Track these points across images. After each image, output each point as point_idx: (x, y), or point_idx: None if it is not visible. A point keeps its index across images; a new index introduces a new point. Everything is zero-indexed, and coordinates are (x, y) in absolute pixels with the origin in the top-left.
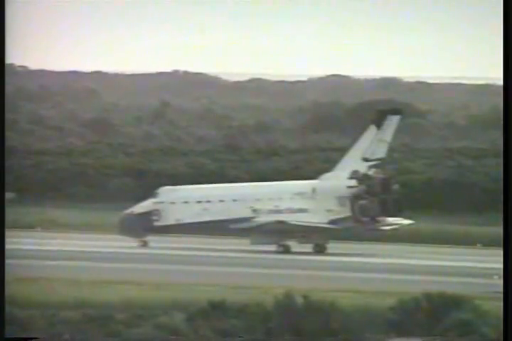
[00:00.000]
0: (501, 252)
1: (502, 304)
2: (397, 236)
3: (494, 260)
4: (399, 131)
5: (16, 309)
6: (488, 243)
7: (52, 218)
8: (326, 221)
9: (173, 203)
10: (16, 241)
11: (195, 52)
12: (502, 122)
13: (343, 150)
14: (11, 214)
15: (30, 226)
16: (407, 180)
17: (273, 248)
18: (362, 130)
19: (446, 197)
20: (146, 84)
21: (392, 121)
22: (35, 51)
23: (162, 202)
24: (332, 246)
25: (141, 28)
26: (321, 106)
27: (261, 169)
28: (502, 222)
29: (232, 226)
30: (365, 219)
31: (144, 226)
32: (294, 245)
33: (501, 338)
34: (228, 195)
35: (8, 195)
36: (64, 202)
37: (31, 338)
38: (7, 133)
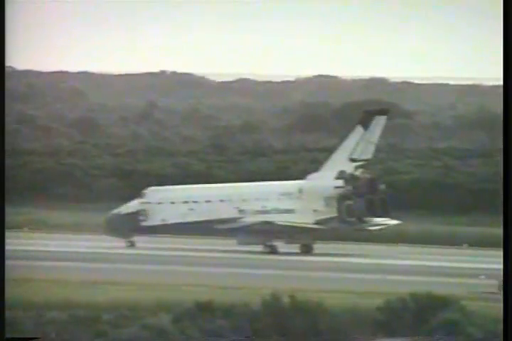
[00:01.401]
0: (487, 252)
1: (502, 305)
2: (383, 237)
3: (480, 260)
4: (385, 131)
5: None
6: (474, 243)
7: (39, 218)
8: (312, 221)
9: (159, 203)
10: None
11: (182, 53)
12: (491, 122)
13: (329, 151)
14: None
15: (17, 227)
16: (394, 181)
17: (260, 248)
18: (348, 130)
19: (432, 197)
20: (133, 85)
21: (379, 122)
22: (22, 52)
23: (149, 203)
24: (319, 247)
25: (129, 28)
26: (308, 106)
27: (248, 169)
28: (502, 223)
29: (218, 226)
30: (351, 219)
31: (131, 227)
32: (280, 245)
33: (488, 338)
34: (215, 196)
35: None
36: (51, 203)
37: (31, 338)
38: None
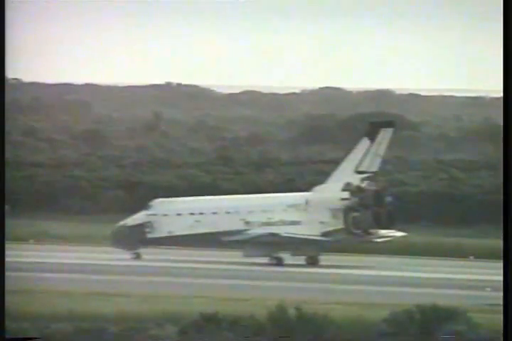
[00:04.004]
0: (493, 264)
1: (502, 310)
2: (389, 249)
3: (486, 272)
4: (391, 142)
5: (8, 321)
6: (480, 255)
7: (44, 230)
8: (318, 233)
9: (165, 215)
10: (9, 254)
11: (188, 65)
12: (497, 134)
13: (336, 163)
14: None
15: (22, 239)
16: (400, 192)
17: (266, 260)
18: (355, 142)
19: (438, 209)
20: (139, 97)
21: (386, 134)
22: (27, 64)
23: (155, 214)
24: (325, 259)
25: (134, 40)
26: (314, 118)
27: (254, 181)
28: (502, 234)
29: (224, 238)
30: (357, 231)
31: (137, 239)
32: (286, 257)
33: None
34: (221, 207)
35: None
36: (57, 215)
37: (31, 338)
38: None
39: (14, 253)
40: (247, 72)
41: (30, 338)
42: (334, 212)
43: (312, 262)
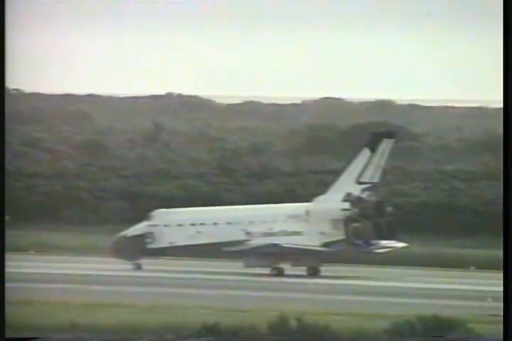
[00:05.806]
0: (494, 275)
1: (502, 320)
2: (390, 259)
3: (488, 283)
4: (392, 153)
5: (8, 332)
6: (481, 266)
7: (45, 241)
8: (319, 244)
9: (166, 226)
10: (9, 265)
11: (189, 75)
12: (496, 144)
13: (336, 173)
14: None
15: (23, 250)
16: (401, 203)
17: (266, 271)
18: (356, 153)
19: (439, 219)
20: (140, 107)
21: (387, 145)
22: (28, 74)
23: (156, 225)
24: (325, 269)
25: (135, 51)
26: (315, 128)
27: (254, 192)
28: (502, 245)
29: (225, 249)
30: (358, 241)
31: (138, 249)
32: (287, 268)
33: None
34: (222, 218)
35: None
36: (57, 225)
37: (31, 338)
38: None
39: (15, 264)
40: (247, 83)
41: (30, 338)
42: (335, 223)
43: (313, 273)
